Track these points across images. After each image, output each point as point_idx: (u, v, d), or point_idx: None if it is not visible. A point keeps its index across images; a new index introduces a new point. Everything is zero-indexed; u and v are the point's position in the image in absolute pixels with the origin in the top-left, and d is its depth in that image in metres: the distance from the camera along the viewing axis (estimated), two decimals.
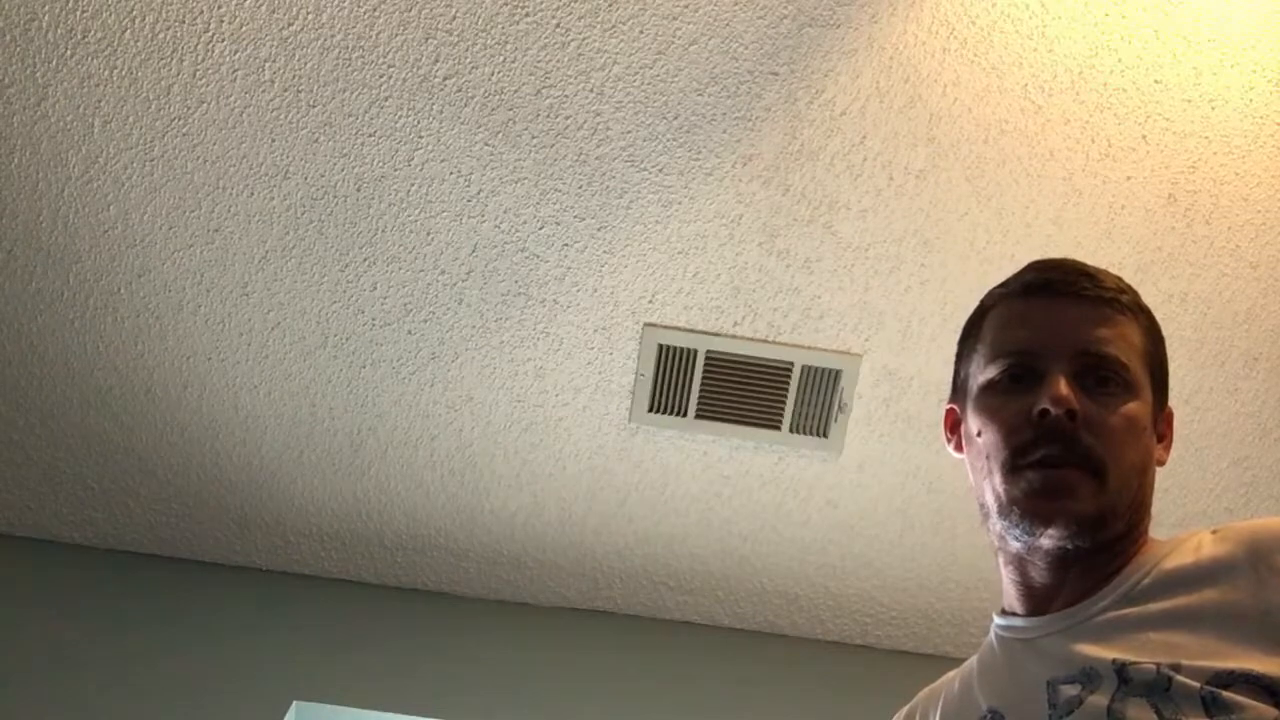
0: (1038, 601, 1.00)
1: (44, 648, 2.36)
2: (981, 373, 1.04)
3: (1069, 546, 0.96)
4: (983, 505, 1.03)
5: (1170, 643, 0.86)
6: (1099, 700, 0.86)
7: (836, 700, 2.50)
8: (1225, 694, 0.81)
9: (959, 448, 1.09)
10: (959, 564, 2.52)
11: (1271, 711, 0.80)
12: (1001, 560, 1.04)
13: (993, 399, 1.01)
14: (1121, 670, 0.86)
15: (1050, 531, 0.95)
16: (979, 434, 1.02)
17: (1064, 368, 0.98)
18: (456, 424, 2.43)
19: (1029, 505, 0.96)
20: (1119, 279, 1.05)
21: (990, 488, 1.00)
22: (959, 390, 1.10)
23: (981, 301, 1.11)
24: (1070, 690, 0.89)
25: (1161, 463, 1.03)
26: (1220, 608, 0.87)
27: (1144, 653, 0.87)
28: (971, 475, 1.05)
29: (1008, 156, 2.10)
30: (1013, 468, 0.97)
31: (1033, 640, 0.98)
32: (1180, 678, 0.83)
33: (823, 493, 2.46)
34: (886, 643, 2.66)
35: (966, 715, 1.01)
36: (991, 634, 1.06)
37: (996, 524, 1.00)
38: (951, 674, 1.13)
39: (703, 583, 2.61)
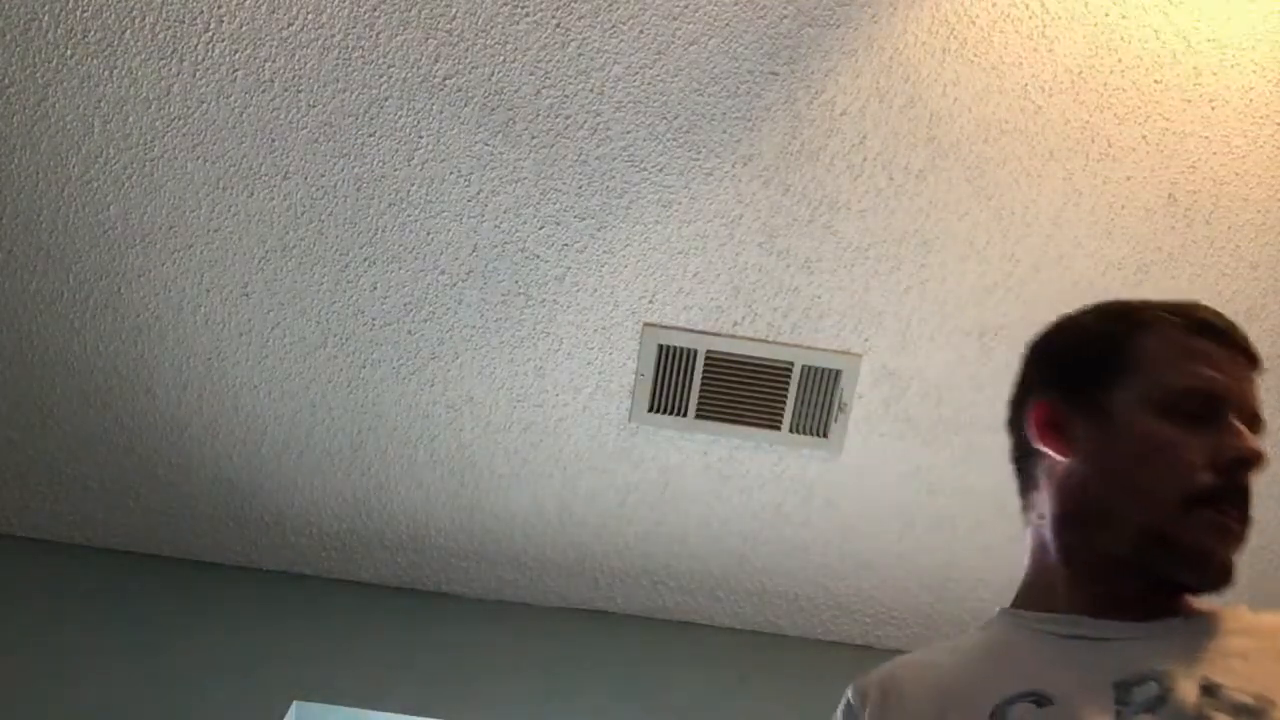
0: (1104, 605, 1.00)
1: (44, 648, 2.36)
2: (1148, 393, 1.01)
3: (1202, 588, 0.98)
4: (1080, 514, 1.02)
5: (1257, 674, 0.89)
6: (1184, 697, 0.88)
7: (836, 700, 2.50)
8: None
9: (1053, 444, 1.06)
10: (959, 564, 2.52)
11: None
12: (1063, 558, 1.03)
13: (1170, 429, 0.99)
14: (1208, 688, 0.88)
15: (1197, 575, 0.96)
16: (1138, 455, 1.00)
17: (1242, 420, 0.99)
18: (456, 424, 2.43)
19: (1197, 547, 0.96)
20: None
21: (1135, 513, 0.98)
22: (1076, 392, 1.06)
23: (1125, 313, 1.07)
24: (1145, 692, 0.90)
25: None
26: None
27: (1231, 678, 0.89)
28: (1067, 477, 1.04)
29: (1008, 156, 2.10)
30: (1187, 507, 0.96)
31: (1104, 641, 0.97)
32: (1276, 713, 0.85)
33: (823, 493, 2.46)
34: (886, 643, 2.66)
35: (982, 699, 0.98)
36: (1006, 622, 1.06)
37: (1119, 545, 0.99)
38: (911, 659, 1.10)
39: (703, 583, 2.61)
